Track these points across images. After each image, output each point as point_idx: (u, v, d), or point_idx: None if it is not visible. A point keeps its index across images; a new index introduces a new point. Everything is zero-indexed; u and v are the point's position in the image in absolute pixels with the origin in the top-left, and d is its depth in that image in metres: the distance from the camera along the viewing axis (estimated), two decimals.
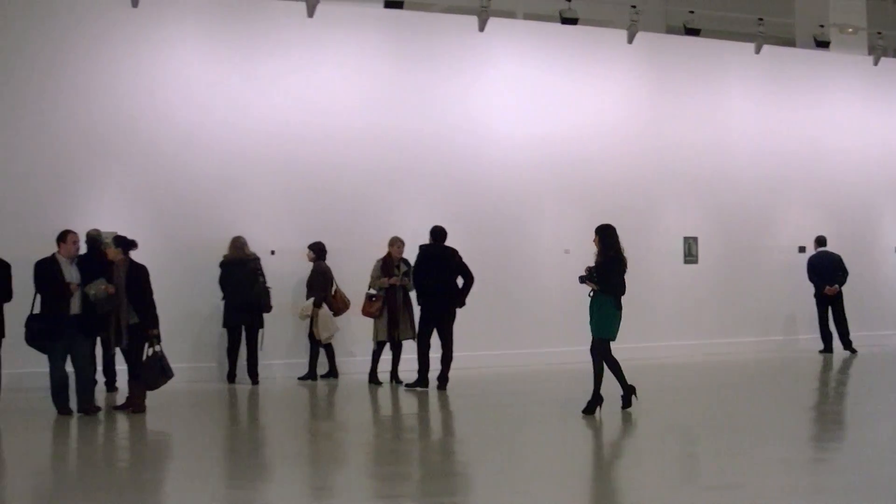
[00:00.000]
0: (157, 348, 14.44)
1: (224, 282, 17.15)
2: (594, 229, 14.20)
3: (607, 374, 13.89)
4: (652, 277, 20.95)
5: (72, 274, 14.11)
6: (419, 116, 19.25)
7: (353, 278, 17.67)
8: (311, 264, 17.70)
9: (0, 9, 17.11)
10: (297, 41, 18.62)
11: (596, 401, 13.88)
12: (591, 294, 13.97)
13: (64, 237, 14.21)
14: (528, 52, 20.39)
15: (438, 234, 16.76)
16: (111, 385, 16.37)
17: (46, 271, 14.02)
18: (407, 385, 16.76)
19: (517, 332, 19.41)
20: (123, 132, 17.52)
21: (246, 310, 17.11)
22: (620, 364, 13.97)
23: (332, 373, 17.89)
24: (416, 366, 16.64)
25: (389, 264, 17.07)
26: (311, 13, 18.47)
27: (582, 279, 13.96)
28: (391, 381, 17.23)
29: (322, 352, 17.74)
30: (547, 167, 20.14)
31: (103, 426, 13.71)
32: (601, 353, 13.89)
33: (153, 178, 17.64)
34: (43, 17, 17.26)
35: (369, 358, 17.32)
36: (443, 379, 16.56)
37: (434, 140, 19.33)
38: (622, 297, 14.07)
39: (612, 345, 13.95)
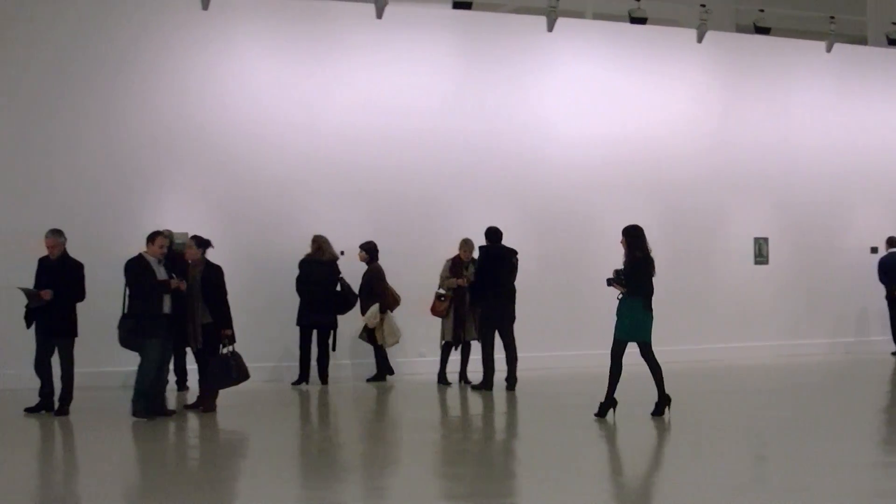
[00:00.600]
0: (231, 348, 14.55)
1: (302, 281, 17.15)
2: (621, 231, 14.05)
3: (623, 376, 13.80)
4: (722, 278, 20.85)
5: (161, 273, 14.22)
6: (487, 117, 19.26)
7: (421, 278, 17.71)
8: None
9: (70, 11, 17.33)
10: (366, 43, 18.68)
11: (609, 403, 13.82)
12: (620, 297, 13.86)
13: (154, 238, 14.25)
14: (596, 52, 20.33)
15: (496, 234, 16.75)
16: (182, 384, 16.51)
17: (141, 269, 14.07)
18: (473, 386, 16.78)
19: (583, 332, 19.28)
20: (192, 133, 17.69)
21: (321, 310, 17.14)
22: (662, 369, 13.87)
23: (387, 372, 17.87)
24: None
25: (459, 265, 17.09)
26: (379, 14, 18.53)
27: (609, 282, 13.87)
28: (460, 381, 17.25)
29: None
30: (615, 167, 20.07)
31: (175, 425, 13.82)
32: (620, 355, 13.79)
33: (222, 179, 17.78)
34: (113, 19, 17.48)
35: (438, 358, 17.35)
36: (511, 379, 16.55)
37: (501, 141, 19.32)
38: (652, 299, 13.95)
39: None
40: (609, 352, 13.79)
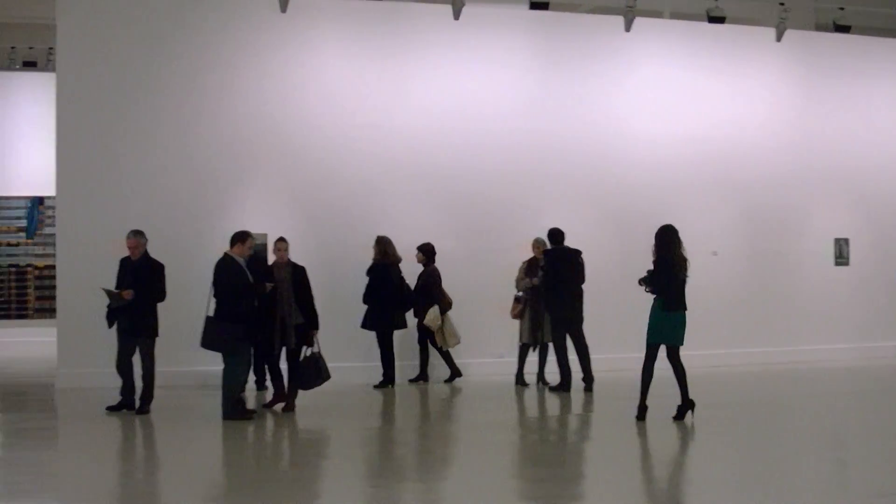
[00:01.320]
0: (316, 349, 14.61)
1: (375, 287, 17.09)
2: None
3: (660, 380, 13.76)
4: (801, 280, 20.64)
5: (248, 274, 14.31)
6: (564, 117, 19.19)
7: (500, 279, 17.68)
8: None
9: (148, 13, 17.51)
10: (443, 44, 18.69)
11: (687, 405, 13.79)
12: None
13: (244, 238, 14.28)
14: (674, 51, 20.18)
15: (559, 235, 16.69)
16: (261, 384, 16.61)
17: (234, 271, 14.10)
18: (551, 388, 16.74)
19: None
20: (269, 135, 17.80)
21: (395, 312, 17.15)
22: (686, 374, 13.79)
23: (423, 377, 17.73)
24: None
25: (534, 266, 17.04)
26: (456, 16, 18.54)
27: (640, 282, 13.78)
28: (538, 382, 17.19)
29: (391, 355, 17.34)
30: (694, 167, 19.91)
31: (255, 425, 13.90)
32: (647, 358, 13.75)
33: (298, 179, 17.88)
34: (191, 21, 17.64)
35: (515, 360, 17.31)
36: (588, 379, 16.51)
37: (578, 141, 19.25)
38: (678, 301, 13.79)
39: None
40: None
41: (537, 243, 17.17)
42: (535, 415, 15.47)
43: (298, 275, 14.63)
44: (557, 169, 19.08)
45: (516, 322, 17.16)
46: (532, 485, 10.82)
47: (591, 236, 17.43)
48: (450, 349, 17.67)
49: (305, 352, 14.59)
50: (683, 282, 13.82)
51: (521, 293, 17.07)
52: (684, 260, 13.85)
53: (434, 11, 18.67)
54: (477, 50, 18.87)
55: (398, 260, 17.21)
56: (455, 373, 17.76)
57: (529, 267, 17.10)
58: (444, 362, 17.79)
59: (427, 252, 17.57)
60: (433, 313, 17.25)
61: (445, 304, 17.47)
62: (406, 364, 17.72)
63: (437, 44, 18.69)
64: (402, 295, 17.20)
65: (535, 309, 16.92)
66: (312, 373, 14.53)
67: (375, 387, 17.09)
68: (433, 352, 17.74)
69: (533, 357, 17.25)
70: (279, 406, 14.82)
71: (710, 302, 19.23)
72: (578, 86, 19.43)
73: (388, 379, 17.19)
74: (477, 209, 18.63)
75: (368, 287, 17.09)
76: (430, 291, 17.42)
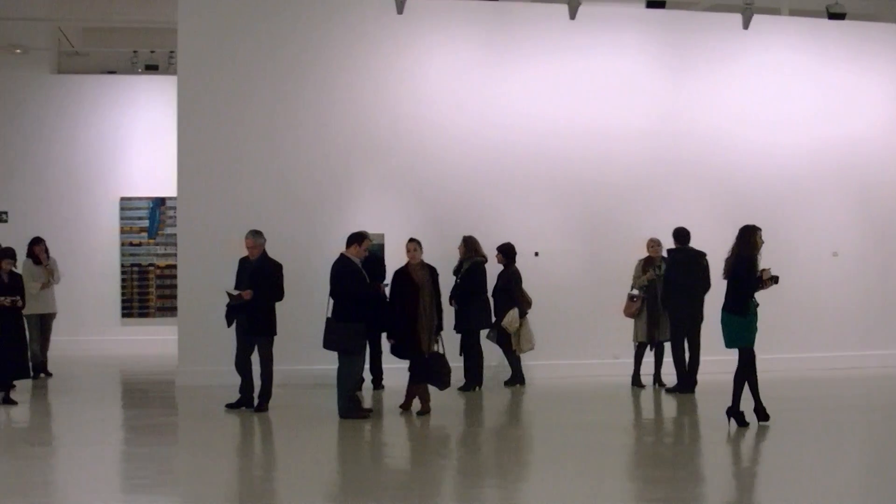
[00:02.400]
0: (441, 350, 14.60)
1: (467, 287, 16.77)
2: None
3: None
4: None
5: (364, 275, 14.40)
6: (681, 116, 19.01)
7: (613, 277, 17.59)
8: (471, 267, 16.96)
9: (269, 17, 17.73)
10: (559, 44, 18.62)
11: (755, 412, 13.58)
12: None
13: (360, 239, 14.37)
14: (793, 48, 19.85)
15: (683, 236, 16.53)
16: (377, 383, 16.73)
17: (352, 273, 14.18)
18: (668, 389, 16.62)
19: (783, 336, 18.77)
20: (386, 135, 17.91)
21: (483, 313, 16.80)
22: (746, 382, 13.52)
23: (519, 381, 17.40)
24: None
25: (650, 264, 16.92)
26: (573, 15, 18.47)
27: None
28: (654, 383, 17.05)
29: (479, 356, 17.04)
30: (815, 165, 19.54)
31: (371, 423, 14.00)
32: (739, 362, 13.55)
33: (415, 180, 17.95)
34: (311, 24, 17.80)
35: (631, 360, 17.20)
36: (691, 383, 16.37)
37: (694, 139, 19.03)
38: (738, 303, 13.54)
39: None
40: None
41: (653, 243, 17.03)
42: (650, 416, 15.37)
43: (435, 275, 14.61)
44: (673, 168, 18.90)
45: (631, 323, 17.04)
46: (647, 486, 10.77)
47: (706, 233, 17.15)
48: (521, 354, 17.31)
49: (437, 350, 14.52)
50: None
51: (636, 292, 16.95)
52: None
53: (550, 11, 18.62)
54: (593, 49, 18.78)
55: (484, 259, 17.04)
56: (517, 377, 17.34)
57: (645, 265, 16.98)
58: (510, 363, 17.44)
59: (507, 253, 17.23)
60: (512, 315, 16.95)
61: (525, 307, 17.26)
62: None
63: (553, 43, 18.63)
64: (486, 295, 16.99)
65: (651, 308, 16.79)
66: (443, 371, 14.48)
67: (461, 389, 16.62)
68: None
69: (649, 358, 17.10)
70: (406, 406, 14.69)
71: (830, 304, 18.99)
72: (697, 82, 19.22)
73: (473, 381, 16.83)
74: (592, 208, 18.53)
75: (459, 287, 16.82)
76: (511, 293, 17.19)
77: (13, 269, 15.81)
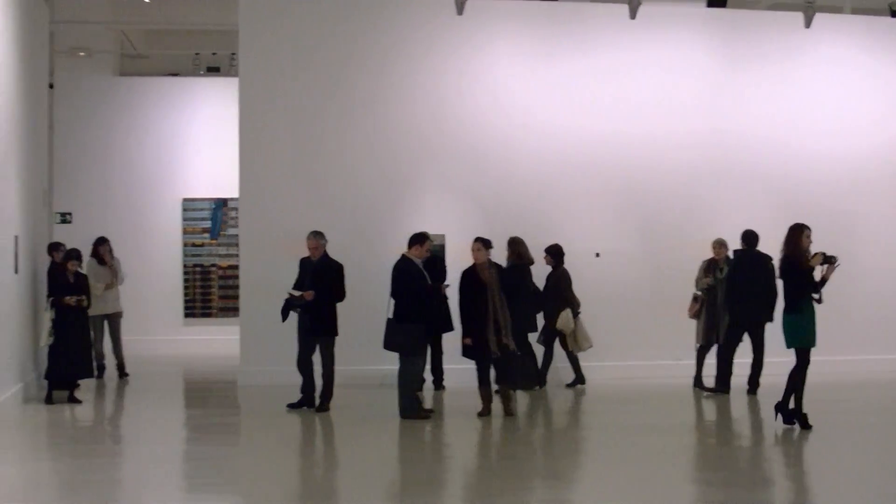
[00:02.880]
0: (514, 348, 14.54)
1: (511, 286, 16.05)
2: None
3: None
4: None
5: (426, 275, 14.43)
6: (742, 116, 18.89)
7: (675, 278, 17.52)
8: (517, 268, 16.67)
9: (330, 18, 17.82)
10: (619, 44, 18.56)
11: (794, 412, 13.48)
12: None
13: (422, 240, 14.40)
14: (856, 46, 19.67)
15: (750, 238, 16.40)
16: (438, 384, 16.74)
17: (412, 272, 14.21)
18: (707, 389, 16.50)
19: (843, 338, 18.51)
20: (447, 136, 17.94)
21: (518, 317, 16.13)
22: (798, 384, 13.41)
23: (580, 381, 17.31)
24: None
25: (713, 265, 16.81)
26: (633, 15, 18.42)
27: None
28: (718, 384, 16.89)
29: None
30: (878, 167, 19.36)
31: (431, 423, 14.03)
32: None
33: (477, 180, 17.96)
34: (371, 25, 17.87)
35: (693, 362, 17.08)
36: (753, 384, 16.25)
37: (758, 139, 18.90)
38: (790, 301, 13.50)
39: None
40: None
41: (717, 244, 16.90)
42: (711, 418, 15.29)
43: (502, 274, 14.56)
44: (735, 168, 18.77)
45: (693, 323, 16.93)
46: (708, 489, 10.72)
47: (771, 235, 17.00)
48: (579, 353, 17.22)
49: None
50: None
51: (699, 292, 16.85)
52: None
53: (610, 11, 18.57)
54: (653, 49, 18.71)
55: (531, 262, 16.85)
56: (579, 378, 17.27)
57: (708, 267, 16.87)
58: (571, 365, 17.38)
59: (555, 254, 17.13)
60: (566, 316, 16.84)
61: (576, 307, 17.12)
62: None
63: (613, 43, 18.57)
64: (536, 297, 16.84)
65: (711, 310, 16.68)
66: (521, 371, 14.44)
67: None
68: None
69: (711, 360, 16.97)
70: (486, 412, 14.44)
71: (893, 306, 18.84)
72: (758, 83, 19.09)
73: (532, 381, 16.65)
74: (652, 209, 18.46)
75: (504, 290, 16.73)
76: (561, 294, 17.05)
77: (79, 269, 16.01)
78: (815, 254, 13.38)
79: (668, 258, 18.18)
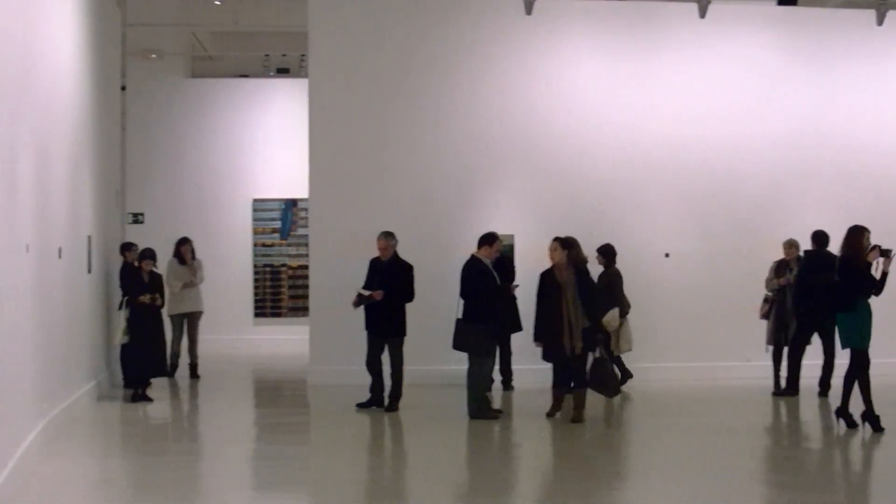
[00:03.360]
0: (598, 354, 14.37)
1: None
2: None
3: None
4: None
5: (495, 276, 14.42)
6: (814, 116, 18.69)
7: (749, 279, 17.39)
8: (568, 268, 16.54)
9: (399, 19, 17.87)
10: (689, 42, 18.46)
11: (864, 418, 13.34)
12: None
13: (491, 241, 14.41)
14: None
15: (820, 238, 16.23)
16: (508, 384, 16.69)
17: (481, 272, 14.20)
18: (773, 392, 16.36)
19: None
20: (516, 136, 17.90)
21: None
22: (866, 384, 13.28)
23: (628, 376, 17.07)
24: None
25: (783, 266, 16.66)
26: (702, 14, 18.31)
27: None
28: (787, 387, 16.75)
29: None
30: None
31: (500, 424, 14.02)
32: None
33: (545, 181, 17.92)
34: (440, 26, 17.90)
35: (762, 363, 16.91)
36: (825, 386, 16.07)
37: (828, 137, 18.69)
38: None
39: None
40: None
41: (789, 244, 16.75)
42: (782, 420, 15.17)
43: (581, 276, 14.42)
44: (806, 168, 18.60)
45: (765, 324, 16.77)
46: (777, 491, 10.65)
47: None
48: (621, 354, 16.87)
49: (595, 354, 14.34)
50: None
51: (769, 293, 16.70)
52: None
53: (679, 10, 18.46)
54: (723, 47, 18.58)
55: (585, 260, 16.69)
56: (626, 374, 16.90)
57: (779, 267, 16.72)
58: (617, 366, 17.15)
59: (606, 253, 16.87)
60: (612, 314, 16.59)
61: (625, 308, 16.82)
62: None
63: (683, 42, 18.46)
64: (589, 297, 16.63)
65: (781, 311, 16.52)
66: (603, 378, 14.38)
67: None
68: None
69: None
70: (554, 412, 14.43)
71: None
72: (827, 82, 18.87)
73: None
74: (724, 209, 18.30)
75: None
76: (612, 293, 16.73)
77: (153, 269, 16.17)
78: (871, 248, 13.28)
79: (737, 258, 18.02)
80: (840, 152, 18.73)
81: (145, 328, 15.71)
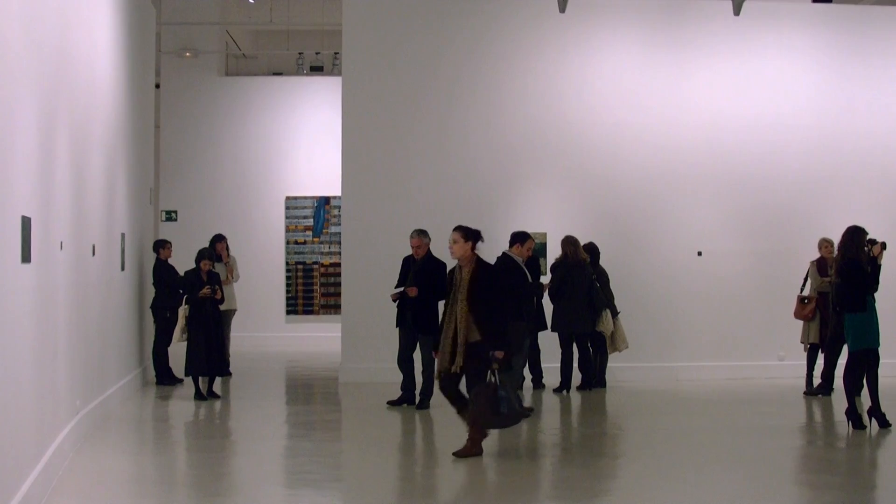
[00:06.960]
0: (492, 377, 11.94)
1: (558, 286, 16.25)
2: None
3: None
4: None
5: (527, 274, 14.43)
6: (849, 115, 18.62)
7: (782, 279, 17.34)
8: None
9: (433, 18, 17.91)
10: (723, 40, 18.40)
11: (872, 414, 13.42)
12: None
13: (523, 239, 14.49)
14: None
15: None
16: (538, 382, 16.67)
17: (513, 270, 14.23)
18: (805, 392, 16.29)
19: None
20: (550, 135, 17.92)
21: (580, 317, 16.24)
22: (864, 386, 13.44)
23: (601, 382, 16.90)
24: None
25: (823, 266, 16.54)
26: (737, 11, 18.24)
27: None
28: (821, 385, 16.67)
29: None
30: None
31: (529, 422, 14.00)
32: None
33: (579, 179, 17.94)
34: (474, 25, 17.94)
35: (799, 363, 16.84)
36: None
37: (864, 139, 18.61)
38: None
39: None
40: None
41: (825, 243, 16.64)
42: (818, 419, 15.09)
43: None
44: (841, 168, 18.51)
45: (799, 324, 16.68)
46: (815, 491, 10.59)
47: (883, 236, 16.72)
48: (612, 354, 16.87)
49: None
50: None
51: (812, 294, 16.55)
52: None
53: (714, 7, 18.42)
54: (758, 46, 18.52)
55: (585, 259, 16.39)
56: (600, 380, 16.79)
57: (819, 267, 16.60)
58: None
59: (591, 252, 16.63)
60: (605, 318, 16.42)
61: (614, 306, 16.69)
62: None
63: (718, 40, 18.42)
64: (586, 298, 16.32)
65: (824, 312, 16.36)
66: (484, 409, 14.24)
67: (556, 391, 16.33)
68: None
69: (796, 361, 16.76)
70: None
71: None
72: (864, 80, 18.81)
73: (563, 385, 16.34)
74: (760, 208, 18.26)
75: (549, 287, 16.34)
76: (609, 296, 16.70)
77: (212, 268, 16.05)
78: (874, 245, 13.33)
79: (771, 257, 18.03)
80: (877, 152, 18.63)
81: (205, 327, 15.65)
